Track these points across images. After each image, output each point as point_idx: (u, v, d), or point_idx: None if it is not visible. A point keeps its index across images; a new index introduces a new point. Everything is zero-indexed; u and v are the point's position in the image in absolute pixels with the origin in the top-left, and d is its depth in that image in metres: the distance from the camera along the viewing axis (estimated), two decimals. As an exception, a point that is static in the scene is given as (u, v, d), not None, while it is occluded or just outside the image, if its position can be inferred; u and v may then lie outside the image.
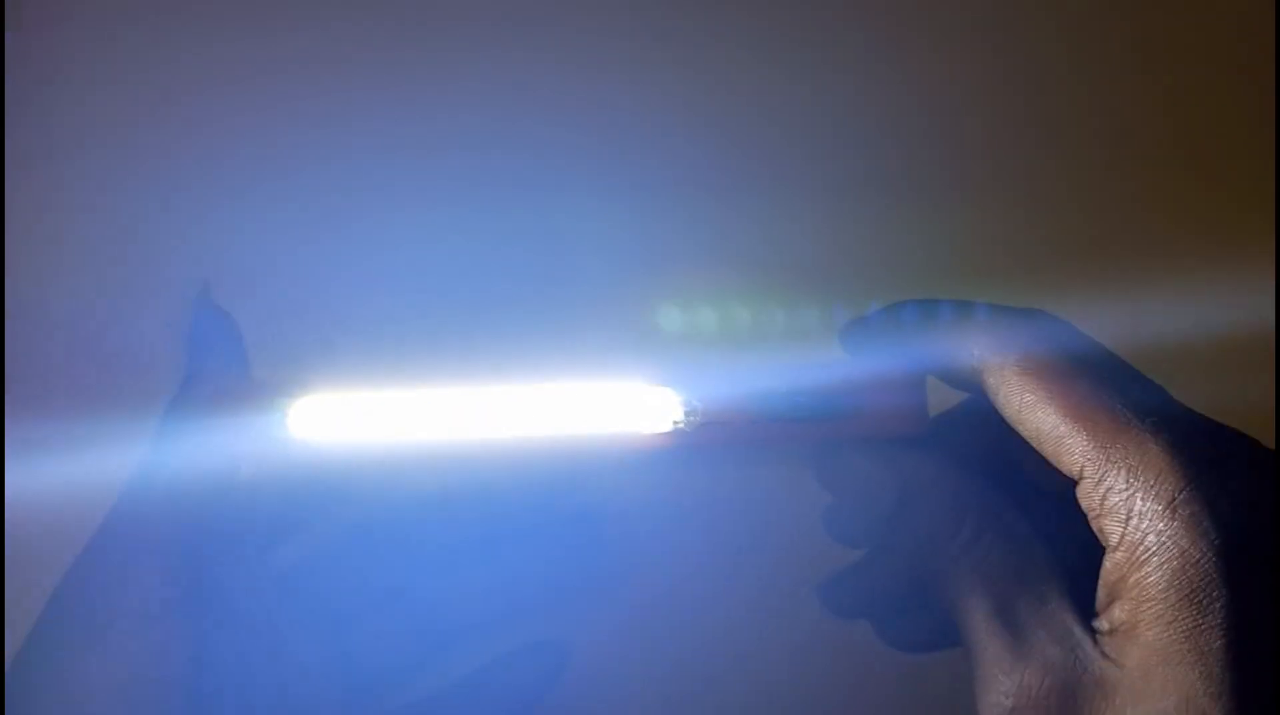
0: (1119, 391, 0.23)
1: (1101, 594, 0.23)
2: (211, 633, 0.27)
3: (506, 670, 0.33)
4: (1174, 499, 0.21)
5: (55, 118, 0.37)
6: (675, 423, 0.30)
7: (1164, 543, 0.21)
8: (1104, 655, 0.22)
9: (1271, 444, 0.23)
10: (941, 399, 0.28)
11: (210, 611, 0.27)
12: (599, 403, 0.30)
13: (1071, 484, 0.23)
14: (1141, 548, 0.21)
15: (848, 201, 0.37)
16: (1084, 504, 0.23)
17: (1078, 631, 0.23)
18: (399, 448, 0.29)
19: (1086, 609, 0.23)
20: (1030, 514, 0.25)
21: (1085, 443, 0.22)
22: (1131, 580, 0.21)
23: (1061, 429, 0.23)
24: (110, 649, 0.25)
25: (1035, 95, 0.37)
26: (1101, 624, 0.22)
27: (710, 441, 0.29)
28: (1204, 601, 0.21)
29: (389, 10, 0.37)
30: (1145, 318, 0.33)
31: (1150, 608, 0.21)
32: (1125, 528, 0.22)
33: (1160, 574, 0.21)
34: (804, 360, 0.29)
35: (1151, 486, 0.21)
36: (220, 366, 0.29)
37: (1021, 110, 0.37)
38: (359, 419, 0.28)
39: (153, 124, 0.37)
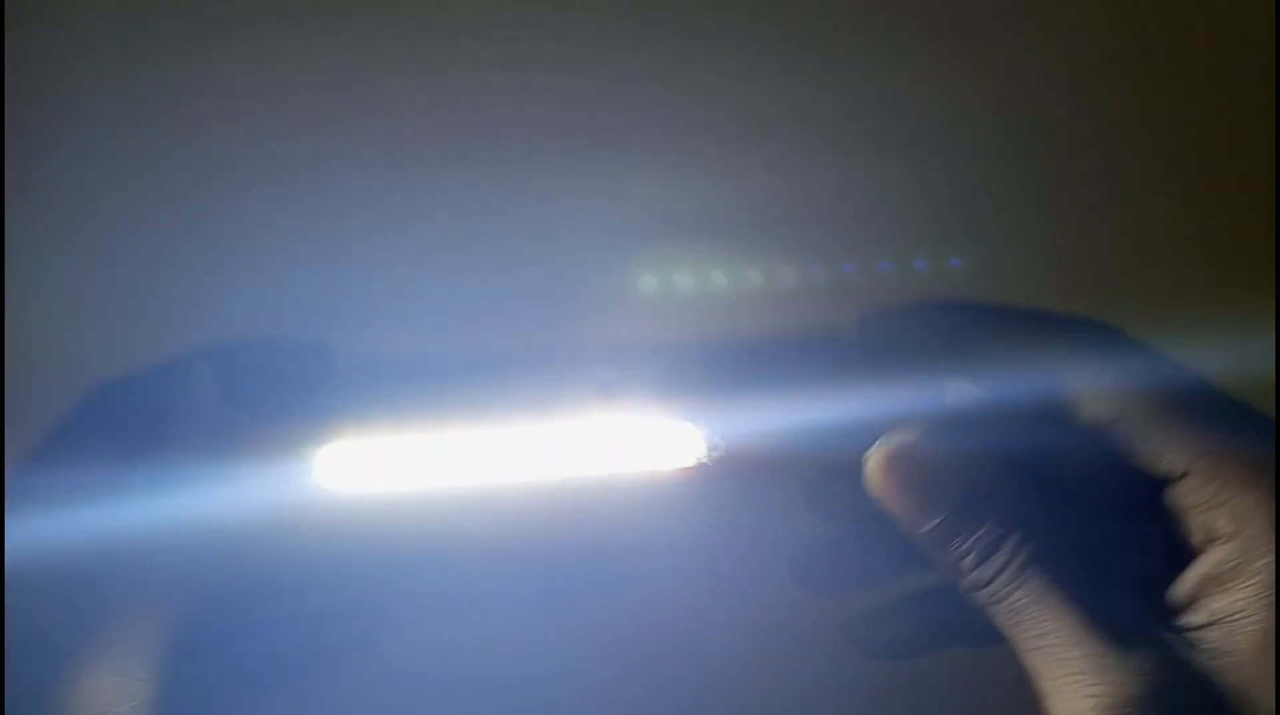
0: (1217, 396, 0.24)
1: (1193, 587, 0.23)
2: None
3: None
4: None
5: (60, 118, 0.32)
6: (699, 459, 0.29)
7: None
8: (1203, 648, 0.22)
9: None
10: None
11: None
12: (625, 438, 0.29)
13: (1152, 484, 0.24)
14: (1261, 539, 0.22)
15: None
16: (1186, 500, 0.23)
17: (1163, 631, 0.22)
18: (422, 492, 0.29)
19: (1161, 609, 0.23)
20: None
21: (1196, 440, 0.23)
22: (1248, 570, 0.22)
23: (1173, 427, 0.24)
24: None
25: (1032, 107, 0.36)
26: (1193, 618, 0.22)
27: (732, 476, 0.29)
28: None
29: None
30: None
31: (1268, 593, 0.22)
32: (1242, 520, 0.22)
33: None
34: (823, 392, 0.29)
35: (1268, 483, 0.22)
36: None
37: (1018, 124, 0.37)
38: (384, 465, 0.28)
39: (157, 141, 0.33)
